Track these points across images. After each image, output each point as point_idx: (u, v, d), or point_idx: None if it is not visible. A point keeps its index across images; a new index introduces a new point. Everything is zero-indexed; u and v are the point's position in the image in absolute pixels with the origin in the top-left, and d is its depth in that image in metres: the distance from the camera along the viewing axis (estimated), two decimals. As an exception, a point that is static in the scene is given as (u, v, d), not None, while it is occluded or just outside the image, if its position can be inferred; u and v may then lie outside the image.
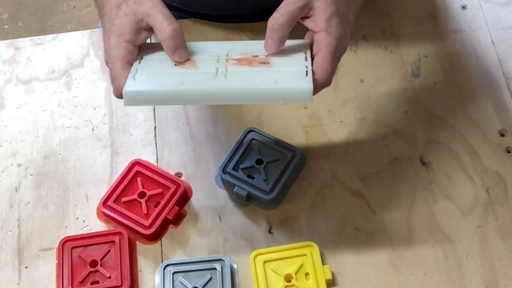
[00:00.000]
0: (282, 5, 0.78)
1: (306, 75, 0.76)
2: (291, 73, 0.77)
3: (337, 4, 0.78)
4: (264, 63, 0.79)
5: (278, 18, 0.78)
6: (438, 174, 0.92)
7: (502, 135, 0.94)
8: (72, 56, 1.04)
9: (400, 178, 0.92)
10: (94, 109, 0.99)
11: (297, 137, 0.95)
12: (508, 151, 0.93)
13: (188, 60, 0.80)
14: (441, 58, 1.01)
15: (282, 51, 0.80)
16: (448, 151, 0.93)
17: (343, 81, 0.99)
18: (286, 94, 0.75)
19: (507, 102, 0.97)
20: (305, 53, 0.80)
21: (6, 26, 2.16)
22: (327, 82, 0.77)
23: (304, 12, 0.78)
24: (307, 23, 0.79)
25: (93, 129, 0.98)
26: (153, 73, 0.79)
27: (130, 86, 0.76)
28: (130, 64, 0.79)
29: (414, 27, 1.04)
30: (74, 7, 2.18)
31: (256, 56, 0.80)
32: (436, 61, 1.01)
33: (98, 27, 1.21)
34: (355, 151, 0.94)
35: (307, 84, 0.74)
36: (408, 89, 0.99)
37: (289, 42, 0.81)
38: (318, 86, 0.76)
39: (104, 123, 0.98)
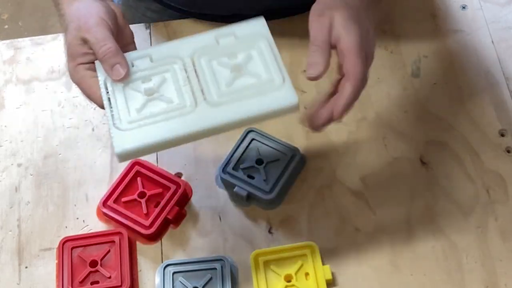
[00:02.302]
0: (311, 31, 0.78)
1: (283, 77, 0.76)
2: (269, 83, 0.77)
3: (351, 13, 0.77)
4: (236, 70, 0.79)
5: (314, 40, 0.77)
6: (438, 174, 0.92)
7: (502, 135, 0.94)
8: (72, 56, 1.04)
9: (400, 178, 0.92)
10: (94, 109, 0.99)
11: (297, 137, 0.95)
12: (508, 151, 0.93)
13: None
14: (441, 58, 1.01)
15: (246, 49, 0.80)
16: (448, 151, 0.93)
17: (343, 81, 0.99)
18: (278, 113, 0.76)
19: (507, 102, 0.97)
20: (270, 46, 0.79)
21: (6, 26, 2.16)
22: (363, 81, 0.76)
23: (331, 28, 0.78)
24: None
25: (93, 129, 0.98)
26: (134, 115, 0.76)
27: (119, 143, 0.74)
28: (95, 77, 0.79)
29: (414, 27, 1.04)
30: (74, 7, 2.18)
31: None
32: (436, 61, 1.01)
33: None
34: (355, 151, 0.94)
35: (293, 98, 0.75)
36: (408, 89, 0.99)
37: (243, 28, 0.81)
38: (356, 88, 0.75)
39: (104, 123, 0.98)
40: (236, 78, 0.78)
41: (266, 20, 0.83)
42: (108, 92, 0.78)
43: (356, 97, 0.76)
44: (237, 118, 0.75)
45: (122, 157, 0.75)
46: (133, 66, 0.79)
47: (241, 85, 0.77)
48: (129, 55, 0.80)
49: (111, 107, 0.77)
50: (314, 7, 0.80)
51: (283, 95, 0.76)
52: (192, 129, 0.75)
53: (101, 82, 0.79)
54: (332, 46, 0.78)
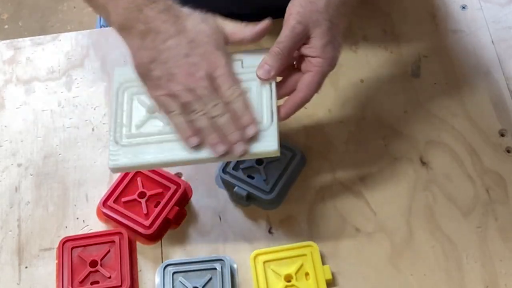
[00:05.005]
0: (281, 34, 0.80)
1: (272, 119, 0.78)
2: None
3: (332, 32, 0.80)
4: None
5: (278, 44, 0.80)
6: (438, 174, 0.92)
7: (502, 135, 0.94)
8: (72, 56, 1.04)
9: (400, 178, 0.92)
10: (94, 109, 0.99)
11: (297, 137, 0.95)
12: (508, 151, 0.93)
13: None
14: (441, 58, 1.01)
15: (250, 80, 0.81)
16: (448, 151, 0.93)
17: (343, 81, 0.99)
18: (256, 156, 0.80)
19: (507, 102, 0.97)
20: (271, 87, 0.81)
21: (6, 26, 2.16)
22: (308, 100, 0.80)
23: (302, 41, 0.80)
24: (303, 49, 0.81)
25: (93, 129, 0.98)
26: (133, 130, 0.81)
27: (114, 157, 0.79)
28: None
29: (414, 27, 1.04)
30: (74, 7, 2.18)
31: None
32: (436, 61, 1.01)
33: (97, 27, 1.21)
34: (355, 151, 0.94)
35: (274, 145, 0.77)
36: (408, 89, 0.99)
37: (252, 58, 0.82)
38: (300, 104, 0.80)
39: (104, 123, 0.98)
40: None
41: (262, 19, 0.84)
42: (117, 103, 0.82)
43: (301, 107, 0.81)
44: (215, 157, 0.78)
45: (114, 170, 0.81)
46: None
47: None
48: None
49: (116, 119, 0.81)
50: (295, 9, 0.81)
51: (265, 139, 0.78)
52: (177, 157, 0.79)
53: (113, 91, 0.82)
54: (299, 52, 0.81)
